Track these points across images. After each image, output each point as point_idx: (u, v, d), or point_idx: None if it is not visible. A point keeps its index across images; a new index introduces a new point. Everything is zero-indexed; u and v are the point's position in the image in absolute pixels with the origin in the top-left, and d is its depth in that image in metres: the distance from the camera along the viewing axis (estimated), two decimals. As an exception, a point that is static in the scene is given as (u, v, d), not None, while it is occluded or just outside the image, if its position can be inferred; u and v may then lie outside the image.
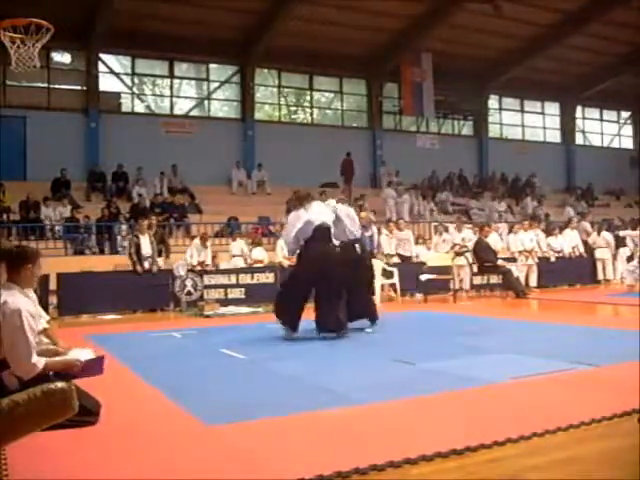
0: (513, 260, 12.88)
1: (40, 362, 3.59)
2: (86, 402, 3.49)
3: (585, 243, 14.65)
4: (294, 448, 3.18)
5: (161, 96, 19.19)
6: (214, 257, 12.14)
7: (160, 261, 11.12)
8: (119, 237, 14.05)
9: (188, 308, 10.72)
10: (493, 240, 12.65)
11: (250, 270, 11.84)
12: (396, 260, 12.76)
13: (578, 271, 14.14)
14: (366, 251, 8.16)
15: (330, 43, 18.48)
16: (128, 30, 16.43)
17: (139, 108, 18.64)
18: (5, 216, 13.84)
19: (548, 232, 14.76)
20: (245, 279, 11.53)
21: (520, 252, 13.08)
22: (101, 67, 17.75)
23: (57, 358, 3.81)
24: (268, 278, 11.65)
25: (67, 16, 14.44)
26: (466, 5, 17.30)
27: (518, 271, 12.51)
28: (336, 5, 16.73)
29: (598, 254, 14.36)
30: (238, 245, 12.71)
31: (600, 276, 14.22)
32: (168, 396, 4.30)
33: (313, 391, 4.44)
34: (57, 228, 14.18)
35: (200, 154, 17.61)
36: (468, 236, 13.17)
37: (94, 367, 3.85)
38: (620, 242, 14.65)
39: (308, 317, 7.15)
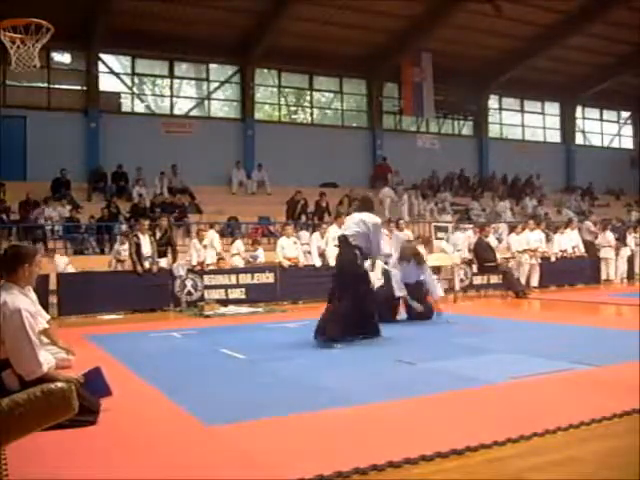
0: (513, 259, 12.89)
1: (44, 365, 3.60)
2: (86, 402, 3.50)
3: (585, 243, 14.65)
4: (294, 448, 3.17)
5: (161, 96, 19.20)
6: (221, 259, 12.12)
7: (163, 262, 11.09)
8: (119, 237, 14.03)
9: (188, 308, 10.72)
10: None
11: (250, 270, 11.83)
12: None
13: (579, 271, 14.13)
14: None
15: (330, 43, 18.49)
16: (128, 30, 16.43)
17: (139, 108, 18.63)
18: (5, 216, 13.84)
19: (552, 231, 14.79)
20: (245, 279, 11.52)
21: (524, 250, 13.06)
22: (101, 67, 17.76)
23: (59, 371, 3.84)
24: (268, 278, 11.64)
25: (67, 16, 14.44)
26: (466, 5, 17.31)
27: (522, 270, 12.58)
28: (336, 5, 16.73)
29: (602, 254, 14.35)
30: (237, 246, 12.70)
31: (604, 276, 14.21)
32: (168, 396, 4.30)
33: (313, 391, 4.43)
34: (57, 228, 14.18)
35: (200, 154, 17.62)
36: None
37: (96, 383, 3.90)
38: (621, 242, 14.64)
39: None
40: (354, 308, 6.63)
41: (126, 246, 11.68)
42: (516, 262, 12.78)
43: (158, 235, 11.23)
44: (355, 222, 6.90)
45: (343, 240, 6.93)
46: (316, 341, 6.57)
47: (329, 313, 6.65)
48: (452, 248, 13.23)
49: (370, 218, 6.92)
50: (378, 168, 20.31)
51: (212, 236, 12.30)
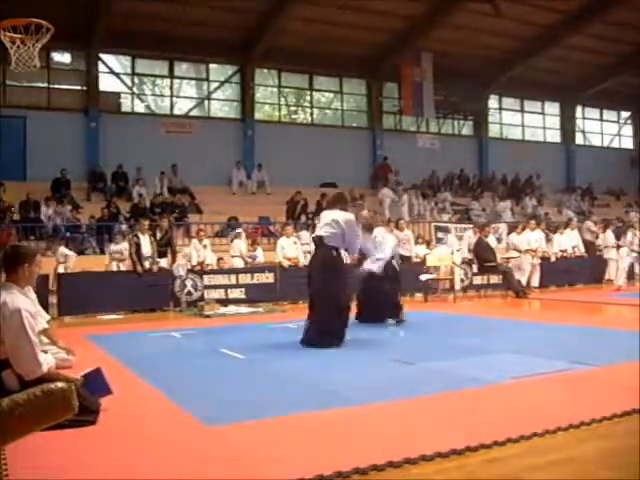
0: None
1: (44, 365, 3.60)
2: (86, 402, 3.50)
3: (585, 242, 14.65)
4: (294, 448, 3.18)
5: (161, 96, 19.19)
6: (220, 259, 12.15)
7: (163, 262, 11.10)
8: (116, 237, 14.04)
9: (188, 308, 10.72)
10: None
11: (250, 270, 11.84)
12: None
13: (578, 271, 14.14)
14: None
15: (330, 43, 18.48)
16: (128, 30, 16.42)
17: (139, 108, 18.63)
18: (5, 216, 13.84)
19: (552, 231, 14.79)
20: (245, 279, 11.53)
21: (526, 251, 13.07)
22: (101, 67, 17.75)
23: (59, 371, 3.85)
24: (268, 278, 11.64)
25: (67, 16, 14.43)
26: (466, 5, 17.30)
27: (522, 270, 12.58)
28: (336, 5, 16.73)
29: (605, 254, 14.36)
30: (237, 246, 12.72)
31: (607, 276, 14.21)
32: (168, 396, 4.30)
33: (313, 391, 4.43)
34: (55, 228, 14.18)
35: (200, 154, 17.61)
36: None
37: (96, 383, 3.90)
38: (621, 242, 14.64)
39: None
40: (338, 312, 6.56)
41: (120, 246, 11.73)
42: (516, 262, 12.77)
43: (158, 236, 11.24)
44: (328, 222, 6.75)
45: (318, 241, 6.80)
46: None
47: (319, 321, 6.47)
48: (450, 249, 13.24)
49: (343, 216, 6.78)
50: (379, 168, 20.37)
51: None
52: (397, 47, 19.46)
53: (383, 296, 8.30)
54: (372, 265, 8.07)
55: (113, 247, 12.09)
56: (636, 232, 13.05)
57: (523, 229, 13.77)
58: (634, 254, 12.98)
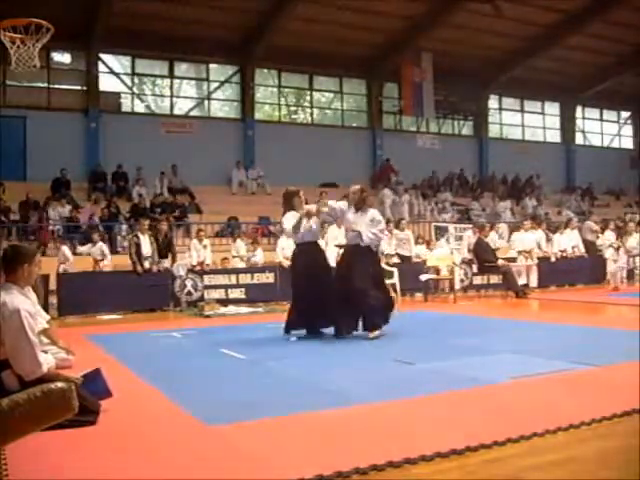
0: (514, 260, 12.88)
1: (44, 365, 3.60)
2: (86, 402, 3.50)
3: (586, 242, 14.65)
4: (294, 448, 3.17)
5: (161, 96, 19.20)
6: (224, 259, 12.13)
7: (166, 263, 11.11)
8: (119, 237, 14.06)
9: (188, 308, 10.73)
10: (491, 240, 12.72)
11: (250, 270, 11.84)
12: (396, 260, 12.76)
13: (578, 271, 14.14)
14: None
15: (330, 43, 18.49)
16: (128, 30, 16.43)
17: (139, 108, 18.64)
18: (5, 216, 13.84)
19: (552, 231, 14.80)
20: (245, 279, 11.53)
21: (520, 252, 13.07)
22: (101, 67, 17.77)
23: (59, 371, 3.85)
24: (268, 278, 11.65)
25: (67, 16, 14.44)
26: (466, 5, 17.31)
27: (520, 275, 12.57)
28: (336, 5, 16.74)
29: (606, 254, 14.36)
30: (238, 247, 12.71)
31: (609, 275, 14.21)
32: (168, 396, 4.30)
33: (313, 391, 4.43)
34: (57, 227, 14.18)
35: (200, 154, 17.62)
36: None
37: (96, 383, 3.90)
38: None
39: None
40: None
41: (98, 246, 11.73)
42: (517, 269, 12.70)
43: (159, 239, 11.24)
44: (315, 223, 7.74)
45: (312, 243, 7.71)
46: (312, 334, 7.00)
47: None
48: (450, 247, 13.24)
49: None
50: (381, 170, 20.29)
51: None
52: (397, 47, 19.48)
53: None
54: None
55: (89, 248, 12.01)
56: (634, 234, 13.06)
57: (519, 230, 13.77)
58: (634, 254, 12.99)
